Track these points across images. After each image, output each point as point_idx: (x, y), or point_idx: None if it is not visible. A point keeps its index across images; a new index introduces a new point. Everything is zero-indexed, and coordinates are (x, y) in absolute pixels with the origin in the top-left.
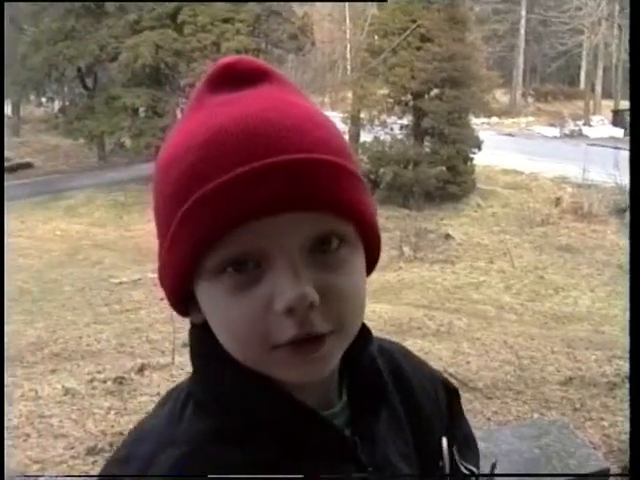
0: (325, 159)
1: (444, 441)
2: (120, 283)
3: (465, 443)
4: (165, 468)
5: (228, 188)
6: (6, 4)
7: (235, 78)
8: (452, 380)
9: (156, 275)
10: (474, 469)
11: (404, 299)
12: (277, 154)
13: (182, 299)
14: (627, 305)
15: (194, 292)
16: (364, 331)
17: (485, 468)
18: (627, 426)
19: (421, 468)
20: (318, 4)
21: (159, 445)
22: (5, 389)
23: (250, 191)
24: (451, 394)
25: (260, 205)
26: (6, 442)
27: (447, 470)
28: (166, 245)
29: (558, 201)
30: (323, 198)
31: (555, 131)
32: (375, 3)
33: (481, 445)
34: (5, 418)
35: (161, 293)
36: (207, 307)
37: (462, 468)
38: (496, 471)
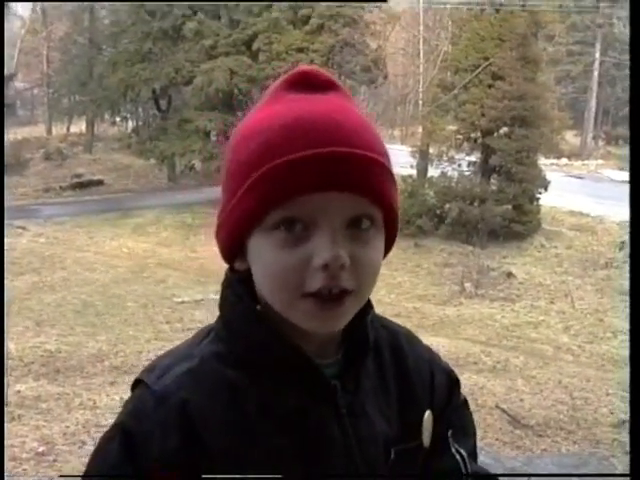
0: (372, 157)
1: (426, 415)
2: (182, 302)
3: (462, 431)
4: (177, 375)
5: (296, 164)
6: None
7: (309, 83)
8: (504, 416)
9: (218, 297)
10: (463, 452)
11: (462, 334)
12: (339, 146)
13: (234, 249)
14: None
15: (246, 243)
16: (367, 304)
17: None
18: None
19: (402, 431)
20: (392, 38)
21: (177, 359)
22: (65, 397)
23: (312, 169)
24: (453, 384)
25: (318, 181)
26: (62, 447)
27: (426, 441)
28: (234, 201)
29: (623, 245)
30: (365, 186)
31: (624, 175)
32: (448, 39)
33: (521, 469)
34: (63, 424)
35: None
36: (256, 256)
37: (453, 449)
38: None
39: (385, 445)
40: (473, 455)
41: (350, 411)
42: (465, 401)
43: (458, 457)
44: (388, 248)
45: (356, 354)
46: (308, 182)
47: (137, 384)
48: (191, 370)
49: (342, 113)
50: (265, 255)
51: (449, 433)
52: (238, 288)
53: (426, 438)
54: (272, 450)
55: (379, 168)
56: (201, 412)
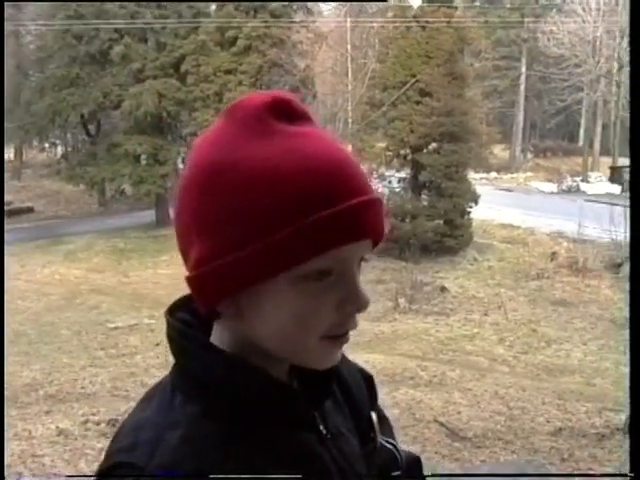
0: (380, 200)
1: (373, 416)
2: (116, 328)
3: (383, 421)
4: (172, 446)
5: (333, 217)
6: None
7: (293, 113)
8: (442, 429)
9: (152, 321)
10: (392, 441)
11: (398, 349)
12: (363, 193)
13: (231, 295)
14: (620, 357)
15: (249, 290)
16: None
17: None
18: None
19: (361, 439)
20: (320, 57)
21: (159, 429)
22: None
23: (347, 221)
24: (368, 380)
25: (352, 233)
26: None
27: (378, 440)
28: (250, 250)
29: (554, 255)
30: (380, 231)
31: (553, 187)
32: (375, 57)
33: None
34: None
35: (157, 339)
36: (268, 304)
37: (384, 442)
38: None
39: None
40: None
41: (330, 433)
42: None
43: (390, 447)
44: None
45: (320, 378)
46: (342, 235)
47: (115, 469)
48: (185, 438)
49: (347, 154)
50: (287, 302)
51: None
52: (200, 337)
53: (378, 437)
54: None
55: (383, 209)
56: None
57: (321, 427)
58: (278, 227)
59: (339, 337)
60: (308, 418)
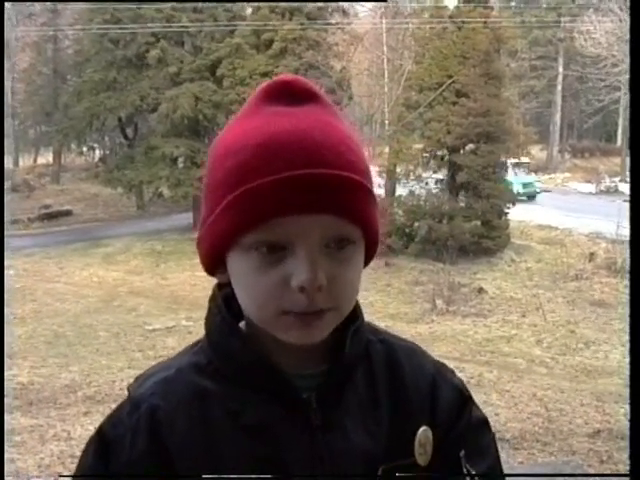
0: (350, 177)
1: (420, 430)
2: (154, 330)
3: (477, 451)
4: (153, 383)
5: (269, 187)
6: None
7: (289, 94)
8: None
9: (190, 323)
10: (474, 473)
11: (435, 351)
12: (315, 167)
13: (213, 263)
14: None
15: (225, 258)
16: (352, 316)
17: None
18: None
19: (394, 448)
20: (356, 59)
21: (159, 369)
22: (39, 429)
23: (287, 192)
24: (462, 401)
25: (293, 204)
26: (38, 479)
27: (421, 459)
28: (211, 219)
29: (592, 256)
30: (341, 207)
31: (591, 187)
32: (411, 58)
33: None
34: (37, 456)
35: (194, 340)
36: (235, 274)
37: (464, 470)
38: None
39: (368, 462)
40: (492, 477)
41: (325, 424)
42: (484, 421)
43: (468, 479)
44: (367, 262)
45: (338, 368)
46: (281, 205)
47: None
48: (166, 379)
49: (320, 130)
50: (244, 275)
51: (461, 453)
52: (219, 301)
53: (421, 456)
54: (236, 460)
55: (355, 188)
56: (169, 419)
57: (313, 415)
58: (223, 198)
59: (299, 314)
60: (293, 401)
